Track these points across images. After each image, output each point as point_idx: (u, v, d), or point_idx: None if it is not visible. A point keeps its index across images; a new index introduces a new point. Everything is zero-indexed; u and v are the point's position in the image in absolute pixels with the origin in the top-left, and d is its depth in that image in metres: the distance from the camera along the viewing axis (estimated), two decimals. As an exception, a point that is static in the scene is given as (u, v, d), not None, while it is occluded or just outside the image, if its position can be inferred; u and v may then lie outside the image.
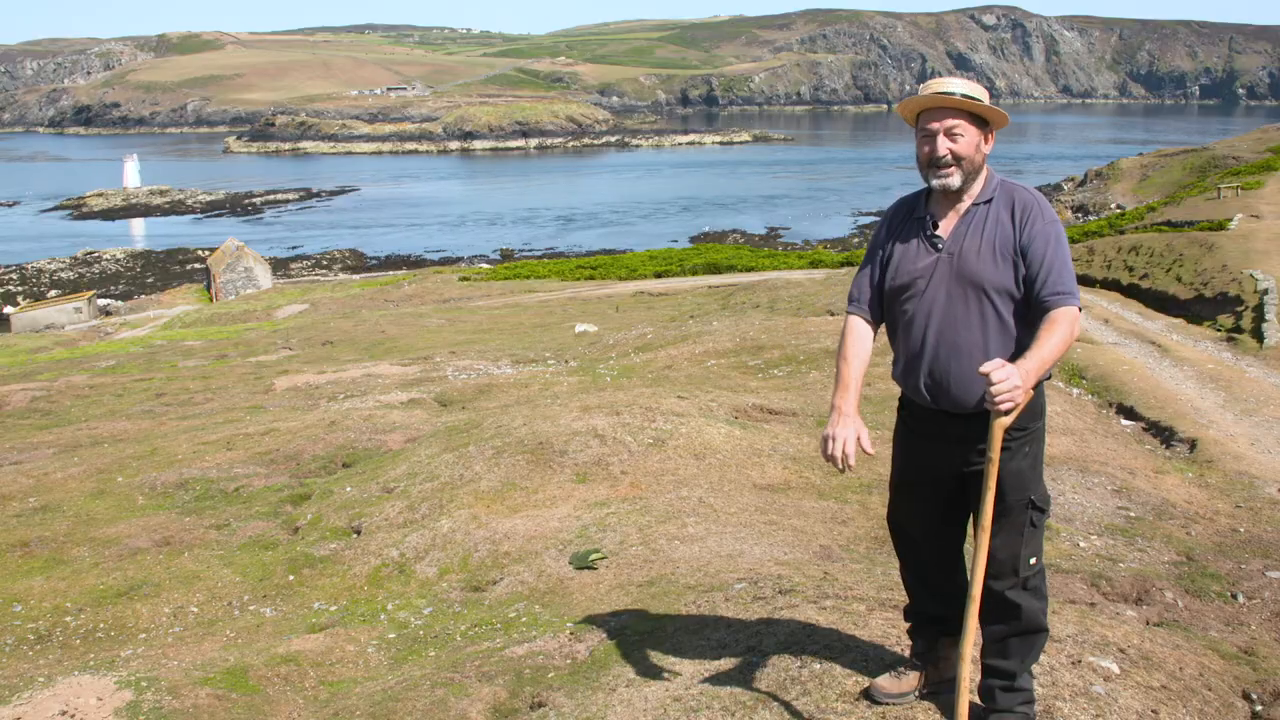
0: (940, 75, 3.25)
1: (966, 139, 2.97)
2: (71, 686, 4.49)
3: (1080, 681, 3.45)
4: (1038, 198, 3.04)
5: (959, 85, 2.98)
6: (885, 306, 3.19)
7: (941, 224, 3.06)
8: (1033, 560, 3.09)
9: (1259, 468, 8.33)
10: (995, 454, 2.82)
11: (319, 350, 21.91)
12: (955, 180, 2.99)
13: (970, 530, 3.30)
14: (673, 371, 12.58)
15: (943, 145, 2.97)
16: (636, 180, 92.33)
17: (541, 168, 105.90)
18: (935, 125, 2.98)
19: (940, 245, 3.04)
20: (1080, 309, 2.95)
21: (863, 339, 3.16)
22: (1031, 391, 2.85)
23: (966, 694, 2.96)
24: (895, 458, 3.30)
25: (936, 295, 3.03)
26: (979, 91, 2.99)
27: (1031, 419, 3.06)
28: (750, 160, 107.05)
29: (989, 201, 3.03)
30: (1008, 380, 2.70)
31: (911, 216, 3.15)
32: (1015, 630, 3.12)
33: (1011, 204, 3.01)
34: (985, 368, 2.73)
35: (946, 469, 3.13)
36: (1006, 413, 2.75)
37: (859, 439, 3.00)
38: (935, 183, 3.01)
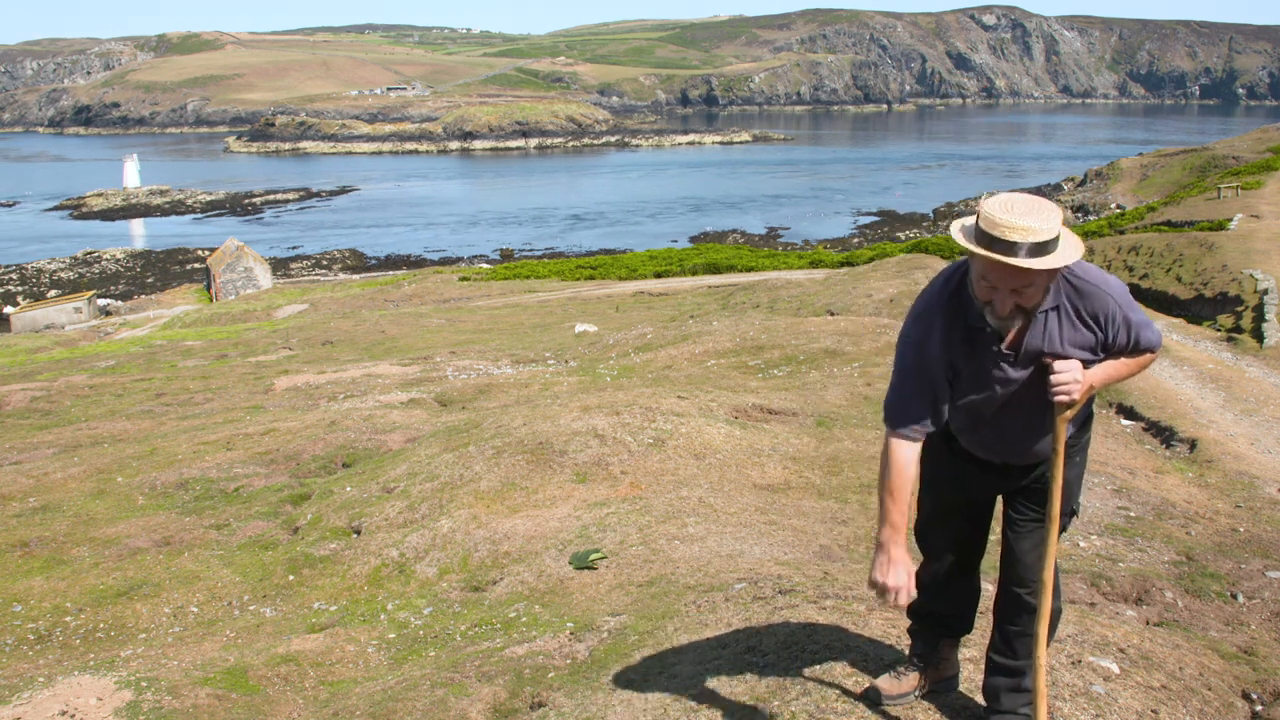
0: (998, 205, 2.52)
1: (1035, 288, 2.68)
2: (71, 686, 4.49)
3: (1080, 681, 3.44)
4: (1100, 287, 2.80)
5: (1026, 238, 2.55)
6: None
7: (1006, 336, 2.83)
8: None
9: (1259, 468, 8.34)
10: (1060, 445, 2.83)
11: (319, 350, 21.91)
12: (1018, 323, 2.76)
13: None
14: (673, 371, 12.57)
15: (1009, 304, 2.70)
16: (636, 180, 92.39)
17: (541, 168, 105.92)
18: (1000, 287, 2.67)
19: (1014, 360, 2.83)
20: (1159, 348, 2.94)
21: (913, 470, 2.89)
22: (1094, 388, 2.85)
23: (1045, 699, 2.97)
24: (934, 478, 3.21)
25: (1009, 394, 2.93)
26: (1049, 227, 2.57)
27: (1084, 430, 3.07)
28: (750, 160, 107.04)
29: (1055, 308, 2.78)
30: (1068, 373, 2.72)
31: (963, 323, 2.84)
32: (1028, 629, 3.11)
33: (1080, 310, 2.79)
34: (1053, 362, 2.76)
35: (995, 491, 3.16)
36: (1066, 406, 2.78)
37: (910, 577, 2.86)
38: (995, 323, 2.76)
